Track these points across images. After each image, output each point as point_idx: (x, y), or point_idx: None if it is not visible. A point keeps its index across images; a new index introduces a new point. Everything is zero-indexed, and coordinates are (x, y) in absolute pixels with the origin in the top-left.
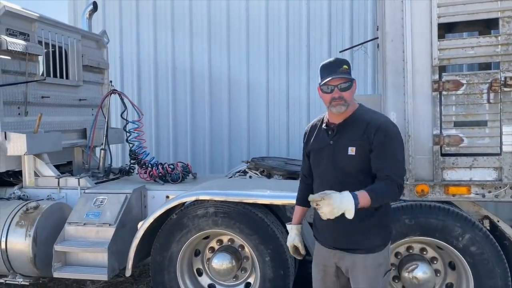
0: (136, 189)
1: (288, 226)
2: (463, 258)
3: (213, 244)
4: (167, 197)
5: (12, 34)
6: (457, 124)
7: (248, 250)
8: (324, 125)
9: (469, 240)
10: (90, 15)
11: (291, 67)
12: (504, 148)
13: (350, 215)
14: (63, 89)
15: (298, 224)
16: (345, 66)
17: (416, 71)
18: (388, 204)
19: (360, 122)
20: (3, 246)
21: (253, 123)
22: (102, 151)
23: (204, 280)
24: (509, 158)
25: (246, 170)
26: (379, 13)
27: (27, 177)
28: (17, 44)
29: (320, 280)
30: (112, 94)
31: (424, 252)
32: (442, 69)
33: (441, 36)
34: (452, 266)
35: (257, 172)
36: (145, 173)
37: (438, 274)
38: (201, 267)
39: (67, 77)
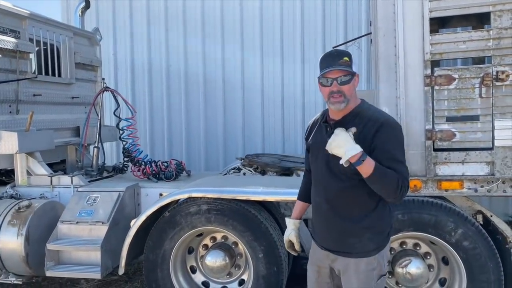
0: (129, 187)
1: (286, 220)
2: (456, 253)
3: (207, 241)
4: (161, 194)
5: (2, 31)
6: (449, 119)
7: (241, 247)
8: (323, 121)
9: (462, 235)
10: (83, 12)
11: (285, 64)
12: (496, 143)
13: (345, 157)
14: (55, 87)
15: (296, 219)
16: (345, 58)
17: (408, 66)
18: (384, 208)
19: (360, 120)
20: None
21: (248, 120)
22: (96, 149)
23: (198, 277)
24: (501, 152)
25: (240, 167)
26: (371, 8)
27: (20, 176)
28: (7, 41)
29: (315, 281)
30: (105, 92)
31: (418, 248)
32: (434, 63)
33: (434, 31)
34: (445, 261)
35: (251, 169)
36: (139, 171)
37: (432, 269)
38: (194, 264)
39: (59, 75)
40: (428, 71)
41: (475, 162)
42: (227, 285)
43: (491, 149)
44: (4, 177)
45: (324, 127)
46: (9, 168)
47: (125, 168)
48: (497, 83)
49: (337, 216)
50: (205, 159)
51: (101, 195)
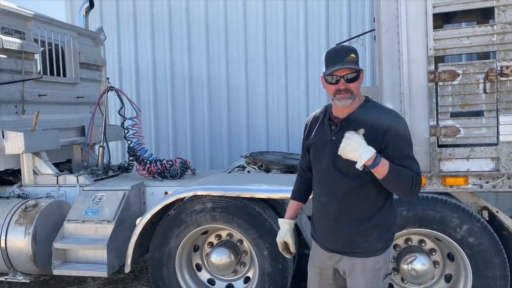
0: (135, 186)
1: (280, 221)
2: (461, 249)
3: (212, 239)
4: (166, 193)
5: (7, 32)
6: (454, 115)
7: (246, 244)
8: (327, 118)
9: (467, 231)
10: (87, 12)
11: (289, 63)
12: (501, 138)
13: (361, 161)
14: (60, 87)
15: (290, 219)
16: (352, 55)
17: (412, 61)
18: (391, 206)
19: (366, 119)
20: (2, 244)
21: (252, 118)
22: (101, 148)
23: (204, 275)
24: (506, 148)
25: (244, 165)
26: (375, 4)
27: (26, 176)
28: (12, 42)
29: (317, 283)
30: (110, 91)
31: (423, 244)
32: (438, 59)
33: (438, 27)
34: (450, 257)
35: (255, 167)
36: (144, 169)
37: (437, 266)
38: (200, 262)
39: (64, 75)
40: (432, 67)
41: (480, 158)
42: (232, 283)
43: (496, 144)
44: (11, 177)
45: (328, 125)
46: (15, 168)
47: (130, 167)
48: (502, 78)
49: (346, 216)
50: (209, 157)
51: (107, 194)
